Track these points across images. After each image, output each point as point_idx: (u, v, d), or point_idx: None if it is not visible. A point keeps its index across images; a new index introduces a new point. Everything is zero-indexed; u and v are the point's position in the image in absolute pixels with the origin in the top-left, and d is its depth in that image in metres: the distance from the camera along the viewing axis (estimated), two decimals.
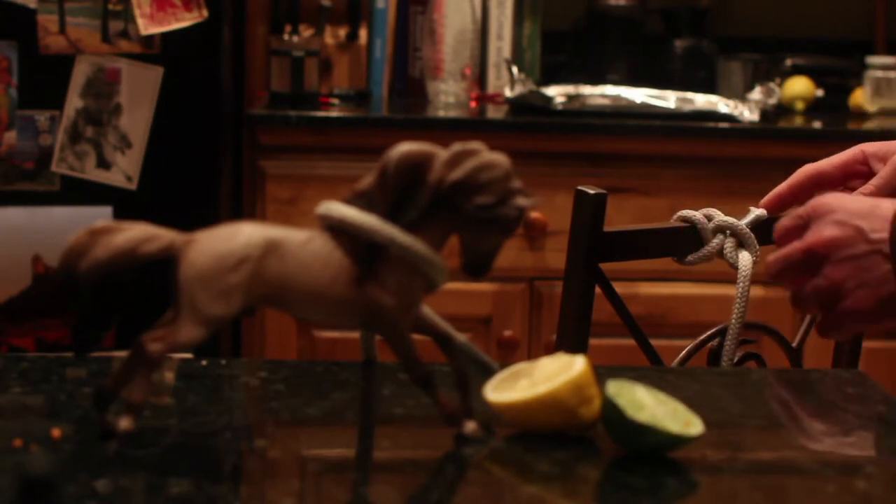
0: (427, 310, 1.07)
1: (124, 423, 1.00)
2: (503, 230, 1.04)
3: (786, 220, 1.28)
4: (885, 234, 1.22)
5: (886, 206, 1.24)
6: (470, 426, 1.03)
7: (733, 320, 1.59)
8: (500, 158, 1.05)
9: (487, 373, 1.10)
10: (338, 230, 1.03)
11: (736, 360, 1.62)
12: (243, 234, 1.02)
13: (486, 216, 1.03)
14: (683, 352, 1.62)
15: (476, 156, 1.04)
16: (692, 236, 1.57)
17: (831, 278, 1.24)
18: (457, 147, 1.04)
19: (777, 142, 2.77)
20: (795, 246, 1.26)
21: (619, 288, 1.58)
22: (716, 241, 1.58)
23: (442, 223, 1.03)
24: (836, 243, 1.24)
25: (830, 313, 1.25)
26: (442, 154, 1.03)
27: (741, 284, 1.57)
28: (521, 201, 1.04)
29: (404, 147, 1.03)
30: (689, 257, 1.58)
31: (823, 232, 1.24)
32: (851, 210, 1.24)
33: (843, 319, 1.24)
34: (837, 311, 1.24)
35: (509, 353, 2.75)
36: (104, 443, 0.99)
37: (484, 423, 1.03)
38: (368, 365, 1.18)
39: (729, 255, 1.58)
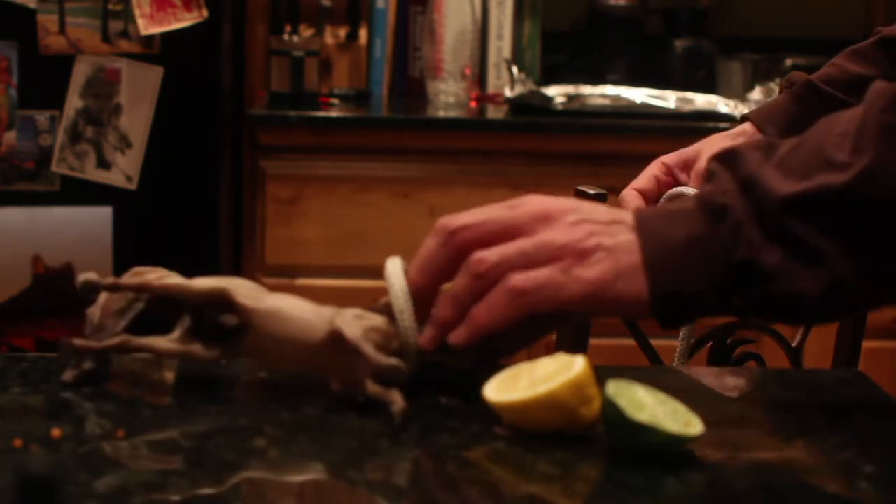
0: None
1: (68, 375, 1.09)
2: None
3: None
4: (628, 213, 1.07)
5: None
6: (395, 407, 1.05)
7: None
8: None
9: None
10: None
11: (736, 360, 1.62)
12: None
13: None
14: (682, 349, 1.63)
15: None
16: None
17: (571, 233, 1.05)
18: None
19: None
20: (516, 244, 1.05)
21: None
22: None
23: None
24: (571, 208, 1.07)
25: (553, 272, 1.04)
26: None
27: None
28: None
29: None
30: None
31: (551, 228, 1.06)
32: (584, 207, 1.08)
33: (570, 281, 1.03)
34: (570, 272, 1.04)
35: None
36: (102, 443, 0.99)
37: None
38: None
39: None
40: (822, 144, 1.04)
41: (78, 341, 1.10)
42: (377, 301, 1.10)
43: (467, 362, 1.10)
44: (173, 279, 1.11)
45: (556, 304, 1.04)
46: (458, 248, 1.06)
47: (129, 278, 1.12)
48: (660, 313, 1.05)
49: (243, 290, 1.09)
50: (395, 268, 1.09)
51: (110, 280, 1.11)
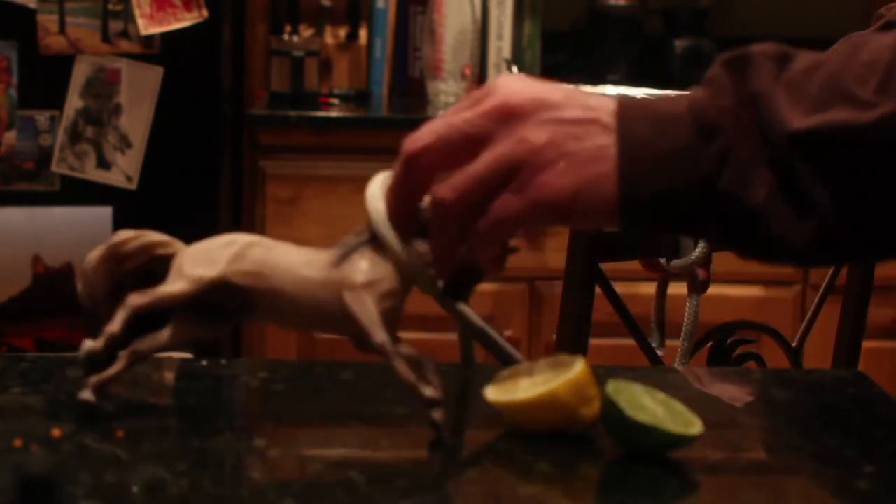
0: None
1: (85, 394, 1.02)
2: None
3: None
4: (608, 106, 0.95)
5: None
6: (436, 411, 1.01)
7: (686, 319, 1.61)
8: None
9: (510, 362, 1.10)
10: None
11: (736, 360, 1.62)
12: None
13: None
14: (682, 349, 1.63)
15: None
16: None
17: (529, 141, 0.93)
18: None
19: None
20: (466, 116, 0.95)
21: (619, 288, 1.58)
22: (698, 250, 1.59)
23: None
24: (537, 104, 0.95)
25: (508, 198, 0.94)
26: None
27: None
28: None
29: None
30: (673, 263, 1.58)
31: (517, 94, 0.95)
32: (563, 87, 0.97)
33: (526, 205, 0.94)
34: (526, 191, 0.94)
35: None
36: (102, 443, 0.99)
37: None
38: (466, 366, 1.16)
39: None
40: (843, 72, 0.93)
41: (88, 395, 1.04)
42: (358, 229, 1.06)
43: (479, 275, 1.05)
44: (159, 247, 1.07)
45: (520, 226, 0.96)
46: (422, 173, 0.97)
47: (117, 314, 1.08)
48: (625, 215, 0.94)
49: (240, 265, 1.05)
50: (374, 189, 1.04)
51: (107, 334, 1.04)
